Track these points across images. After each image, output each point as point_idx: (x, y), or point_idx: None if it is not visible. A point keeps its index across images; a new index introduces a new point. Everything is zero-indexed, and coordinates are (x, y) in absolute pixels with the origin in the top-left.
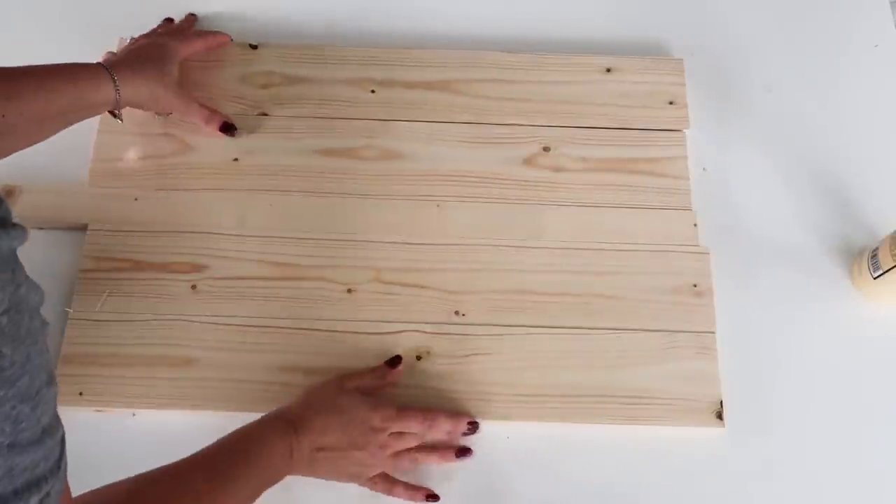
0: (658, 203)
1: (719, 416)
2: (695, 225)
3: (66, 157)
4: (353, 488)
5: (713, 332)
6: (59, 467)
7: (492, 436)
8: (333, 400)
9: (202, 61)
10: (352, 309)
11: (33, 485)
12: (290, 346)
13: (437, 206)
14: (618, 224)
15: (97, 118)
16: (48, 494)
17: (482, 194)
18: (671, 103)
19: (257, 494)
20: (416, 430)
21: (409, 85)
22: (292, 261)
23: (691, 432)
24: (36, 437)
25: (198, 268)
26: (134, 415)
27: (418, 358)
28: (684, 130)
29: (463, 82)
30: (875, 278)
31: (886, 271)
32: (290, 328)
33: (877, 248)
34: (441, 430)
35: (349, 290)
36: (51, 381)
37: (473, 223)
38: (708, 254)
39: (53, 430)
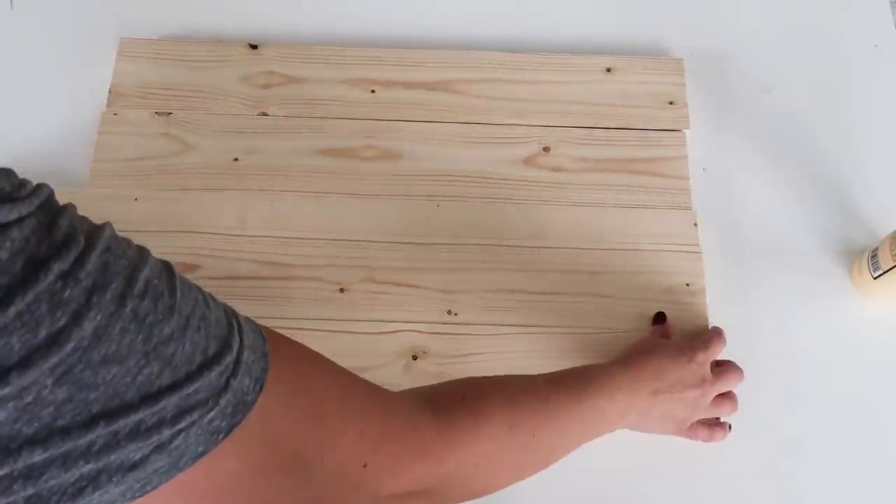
0: (658, 203)
1: None
2: (695, 225)
3: (66, 157)
4: None
5: None
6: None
7: None
8: (658, 344)
9: (202, 61)
10: (345, 308)
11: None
12: None
13: (437, 206)
14: (618, 224)
15: (97, 117)
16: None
17: (482, 194)
18: (671, 103)
19: (581, 442)
20: (720, 352)
21: (410, 85)
22: (286, 260)
23: None
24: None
25: (191, 267)
26: None
27: (414, 358)
28: (684, 130)
29: (463, 82)
30: (875, 278)
31: (886, 271)
32: (283, 328)
33: (877, 248)
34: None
35: (341, 290)
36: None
37: (473, 223)
38: (700, 253)
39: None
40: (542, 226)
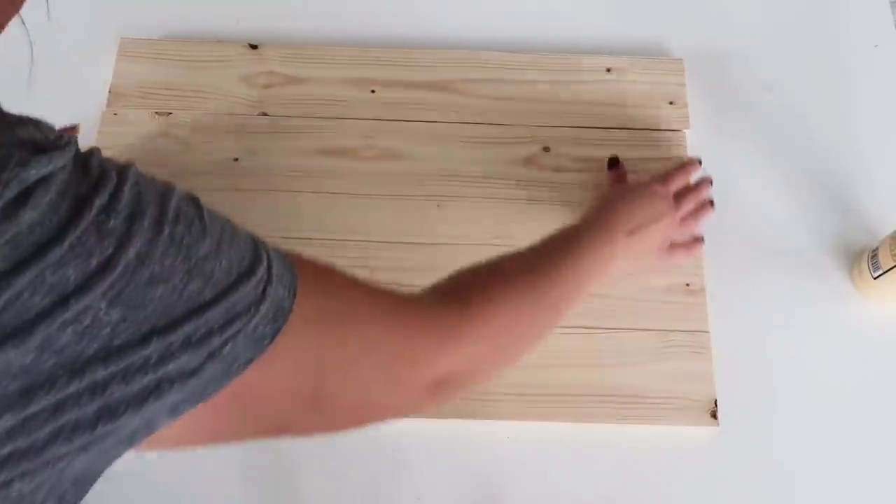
0: None
1: (713, 415)
2: None
3: None
4: (354, 485)
5: (707, 332)
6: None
7: (491, 436)
8: (621, 189)
9: (202, 61)
10: None
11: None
12: None
13: (438, 205)
14: None
15: (97, 117)
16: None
17: (482, 194)
18: (671, 103)
19: (580, 293)
20: (683, 182)
21: (410, 85)
22: None
23: (686, 431)
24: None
25: None
26: None
27: None
28: (684, 130)
29: (463, 82)
30: (875, 278)
31: (886, 271)
32: None
33: (877, 249)
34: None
35: None
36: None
37: (473, 223)
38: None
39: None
40: (541, 226)
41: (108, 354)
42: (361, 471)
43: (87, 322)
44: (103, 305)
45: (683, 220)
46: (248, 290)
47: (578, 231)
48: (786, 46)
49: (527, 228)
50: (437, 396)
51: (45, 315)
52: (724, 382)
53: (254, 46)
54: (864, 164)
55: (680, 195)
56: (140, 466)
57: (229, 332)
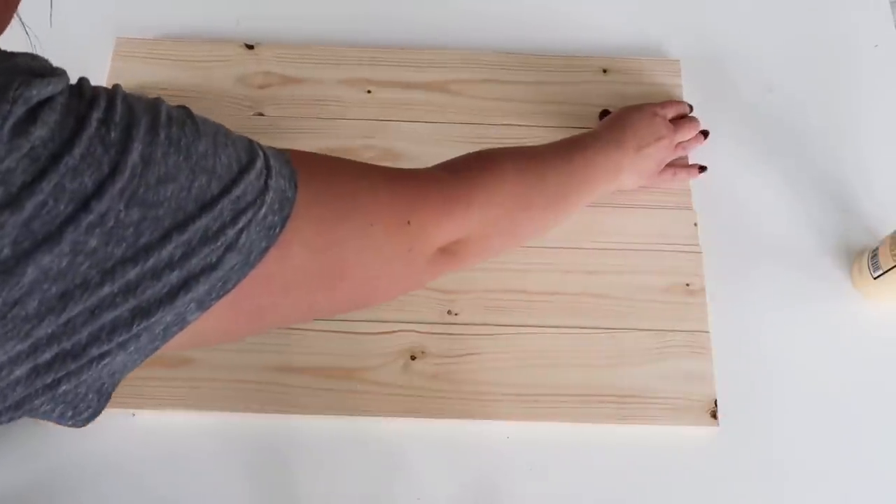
0: (658, 203)
1: (713, 415)
2: (695, 225)
3: None
4: (354, 485)
5: (707, 332)
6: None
7: (491, 436)
8: (628, 110)
9: (198, 61)
10: None
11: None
12: (284, 346)
13: None
14: (618, 224)
15: None
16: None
17: None
18: None
19: (587, 192)
20: (678, 111)
21: (407, 85)
22: None
23: (686, 431)
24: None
25: None
26: (133, 415)
27: (413, 358)
28: None
29: (461, 83)
30: (875, 278)
31: (886, 271)
32: (284, 328)
33: (877, 249)
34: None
35: None
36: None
37: None
38: (700, 253)
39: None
40: None
41: (136, 254)
42: (361, 471)
43: (111, 223)
44: (122, 207)
45: (679, 144)
46: (250, 181)
47: (593, 136)
48: (786, 46)
49: None
50: (448, 263)
51: (70, 220)
52: (724, 382)
53: (250, 46)
54: (864, 164)
55: (676, 123)
56: (140, 466)
57: (241, 222)
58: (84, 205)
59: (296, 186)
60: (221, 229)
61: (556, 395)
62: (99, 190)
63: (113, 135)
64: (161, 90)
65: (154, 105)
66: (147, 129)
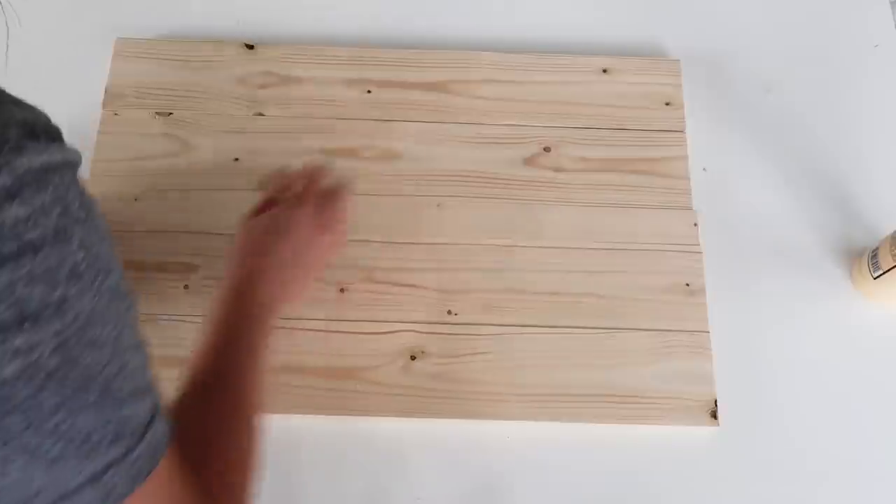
0: (658, 203)
1: (713, 415)
2: (695, 225)
3: None
4: (353, 485)
5: (707, 332)
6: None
7: (491, 436)
8: (243, 232)
9: (198, 61)
10: (344, 308)
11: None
12: (283, 346)
13: (438, 205)
14: (618, 224)
15: (96, 117)
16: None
17: (482, 194)
18: (668, 104)
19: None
20: (296, 185)
21: (407, 85)
22: None
23: (686, 431)
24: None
25: (191, 268)
26: None
27: (413, 358)
28: (682, 131)
29: (461, 83)
30: (875, 278)
31: (886, 271)
32: (282, 328)
33: (877, 248)
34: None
35: (341, 290)
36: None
37: (474, 223)
38: (701, 253)
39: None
40: (542, 226)
41: (28, 410)
42: (361, 471)
43: (32, 359)
44: (48, 351)
45: (322, 223)
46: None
47: (235, 303)
48: (786, 46)
49: (527, 228)
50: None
51: (3, 329)
52: (724, 382)
53: (250, 47)
54: (864, 164)
55: (321, 200)
56: None
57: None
58: (19, 323)
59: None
60: (97, 443)
61: (556, 394)
62: (39, 315)
63: (84, 268)
64: (161, 90)
65: (115, 269)
66: (108, 290)
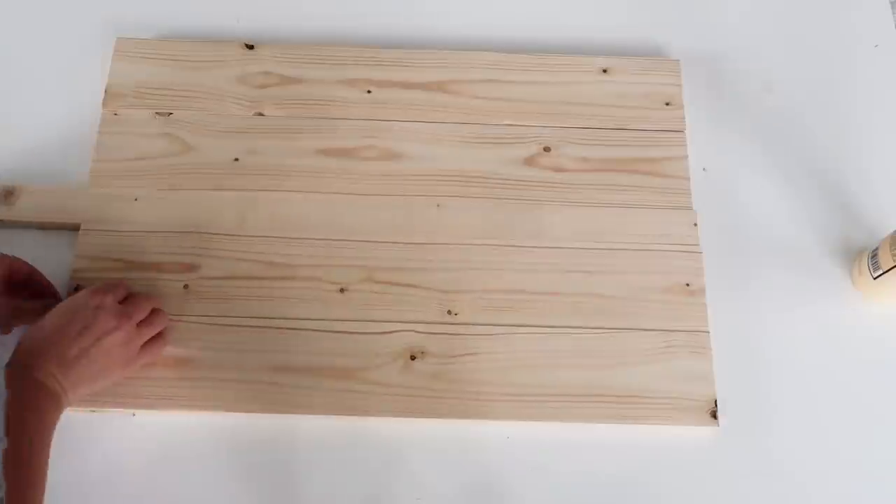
0: (658, 203)
1: (713, 415)
2: (695, 225)
3: (66, 157)
4: (353, 485)
5: (707, 332)
6: None
7: (491, 436)
8: (42, 316)
9: (198, 61)
10: (344, 308)
11: None
12: (283, 345)
13: (437, 205)
14: (618, 224)
15: (97, 117)
16: None
17: (482, 194)
18: (668, 104)
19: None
20: (122, 293)
21: (407, 85)
22: (285, 260)
23: (686, 431)
24: None
25: (190, 267)
26: (134, 415)
27: (413, 358)
28: (682, 131)
29: (460, 83)
30: (875, 278)
31: (886, 271)
32: (282, 328)
33: (877, 249)
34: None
35: (342, 290)
36: None
37: (474, 223)
38: (701, 253)
39: None
40: (542, 226)
41: None
42: (361, 471)
43: None
44: None
45: (143, 326)
46: None
47: (16, 423)
48: (785, 46)
49: (527, 228)
50: None
51: None
52: (724, 382)
53: (250, 46)
54: (864, 164)
55: (132, 305)
56: (140, 466)
57: None
58: None
59: None
60: None
61: (556, 395)
62: None
63: None
64: (161, 90)
65: None
66: None
